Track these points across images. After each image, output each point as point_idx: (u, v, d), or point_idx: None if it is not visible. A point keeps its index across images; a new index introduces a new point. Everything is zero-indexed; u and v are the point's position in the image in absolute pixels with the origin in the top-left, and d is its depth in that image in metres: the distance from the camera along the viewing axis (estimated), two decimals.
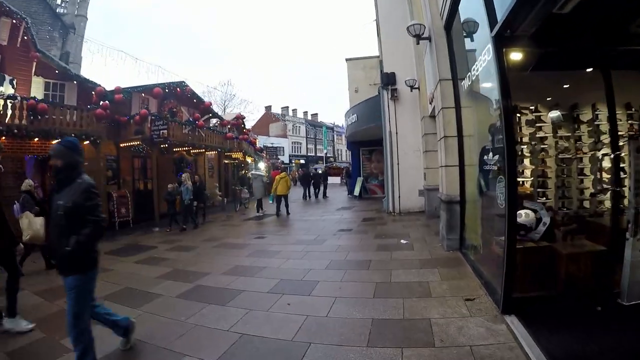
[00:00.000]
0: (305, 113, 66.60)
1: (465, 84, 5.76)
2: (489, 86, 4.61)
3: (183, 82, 17.35)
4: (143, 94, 15.38)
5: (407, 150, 12.53)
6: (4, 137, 10.32)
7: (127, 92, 14.28)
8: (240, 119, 24.57)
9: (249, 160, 27.55)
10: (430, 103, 10.09)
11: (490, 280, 4.60)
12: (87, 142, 11.85)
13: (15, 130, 10.36)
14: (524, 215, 4.53)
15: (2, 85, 11.67)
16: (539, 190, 5.22)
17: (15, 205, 6.96)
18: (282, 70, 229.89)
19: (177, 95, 17.27)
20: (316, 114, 69.24)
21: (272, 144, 50.96)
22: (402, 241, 7.90)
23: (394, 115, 12.62)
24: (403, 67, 12.39)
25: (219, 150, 18.48)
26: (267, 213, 14.70)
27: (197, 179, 13.34)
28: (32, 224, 6.62)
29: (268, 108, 61.29)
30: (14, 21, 12.07)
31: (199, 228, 12.09)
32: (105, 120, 12.72)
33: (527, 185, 5.29)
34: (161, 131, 13.28)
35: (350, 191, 21.45)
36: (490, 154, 4.76)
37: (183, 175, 12.41)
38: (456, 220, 6.62)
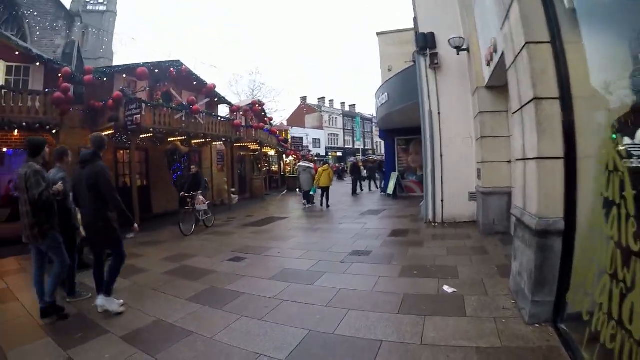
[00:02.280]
0: (343, 104, 63.42)
1: None
2: None
3: (177, 61, 14.73)
4: (125, 75, 12.87)
5: (454, 137, 9.15)
6: None
7: (102, 73, 11.88)
8: (257, 104, 21.75)
9: (271, 152, 24.85)
10: (489, 64, 6.73)
11: None
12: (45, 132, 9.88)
13: None
14: None
15: None
16: None
17: None
18: (318, 62, 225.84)
19: (173, 77, 14.65)
20: (354, 105, 65.97)
21: (307, 135, 48.29)
22: (444, 288, 4.61)
23: (434, 89, 9.24)
24: (444, 24, 8.96)
25: (225, 140, 15.72)
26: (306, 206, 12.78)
27: (195, 169, 10.96)
28: None
29: (303, 99, 58.84)
30: None
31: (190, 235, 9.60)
32: (70, 105, 10.57)
33: None
34: (134, 117, 10.71)
35: (384, 188, 18.17)
36: None
37: None
38: (554, 267, 3.30)
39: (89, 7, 30.52)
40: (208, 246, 8.21)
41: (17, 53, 11.28)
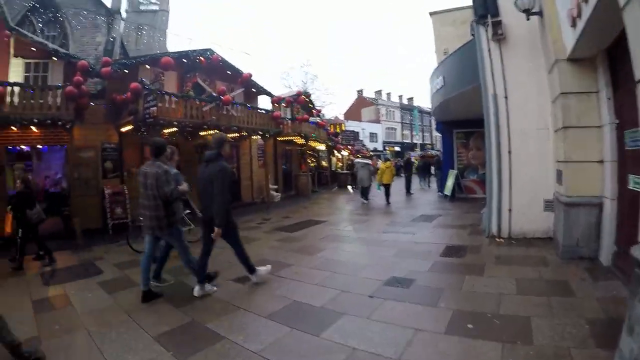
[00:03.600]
0: (400, 97, 60.73)
1: None
2: None
3: (208, 49, 13.63)
4: (149, 66, 12.08)
5: (525, 128, 7.13)
6: None
7: (122, 65, 11.16)
8: (303, 95, 20.44)
9: (320, 146, 23.47)
10: (574, 24, 4.79)
11: None
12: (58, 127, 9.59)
13: None
14: None
15: None
16: None
17: None
18: (376, 54, 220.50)
19: (204, 67, 13.66)
20: (411, 97, 62.96)
21: (363, 129, 46.55)
22: None
23: (499, 67, 7.25)
24: None
25: (262, 133, 14.57)
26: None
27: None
28: None
29: (360, 92, 57.09)
30: None
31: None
32: (88, 99, 10.22)
33: None
34: (151, 109, 9.89)
35: (440, 188, 16.13)
36: None
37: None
38: None
39: (142, 7, 30.99)
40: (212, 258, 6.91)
41: (34, 49, 10.89)
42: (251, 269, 5.31)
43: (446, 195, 14.51)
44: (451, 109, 12.46)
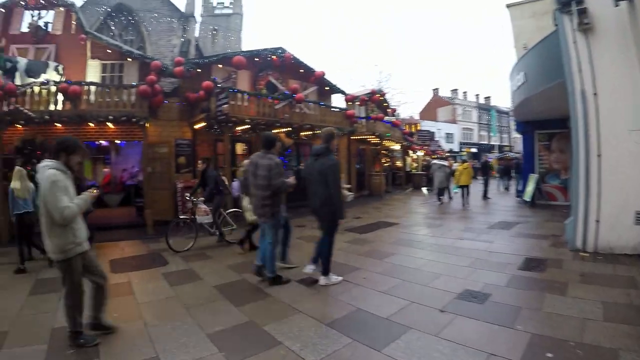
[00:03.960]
0: (477, 96, 57.89)
1: None
2: None
3: (280, 48, 13.88)
4: (221, 65, 12.60)
5: (617, 129, 6.29)
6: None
7: (194, 65, 11.92)
8: (377, 94, 20.12)
9: (395, 146, 22.96)
10: None
11: None
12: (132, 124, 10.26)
13: (47, 117, 9.66)
14: None
15: (46, 73, 11.00)
16: None
17: (234, 183, 7.86)
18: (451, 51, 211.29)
19: (277, 66, 13.95)
20: (488, 97, 59.64)
21: (439, 129, 45.10)
22: None
23: (586, 60, 6.45)
24: None
25: (336, 132, 14.43)
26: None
27: (203, 165, 8.52)
28: None
29: (435, 90, 55.34)
30: (65, 9, 12.13)
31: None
32: (162, 97, 10.98)
33: None
34: (223, 106, 10.30)
35: (520, 193, 14.98)
36: None
37: None
38: None
39: (216, 12, 32.61)
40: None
41: (109, 51, 11.92)
42: (326, 271, 5.30)
43: (526, 201, 13.42)
44: (533, 107, 11.46)
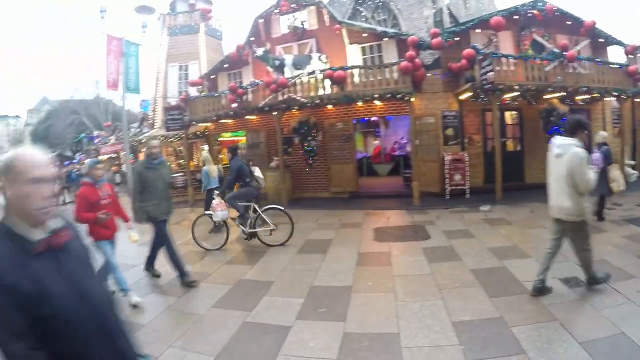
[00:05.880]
0: None
1: None
2: None
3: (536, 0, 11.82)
4: (478, 30, 11.60)
5: None
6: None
7: (450, 33, 11.33)
8: None
9: None
10: None
11: None
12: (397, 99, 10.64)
13: (318, 101, 10.99)
14: None
15: (310, 64, 12.44)
16: None
17: (595, 154, 6.97)
18: None
19: (540, 21, 12.01)
20: None
21: None
22: None
23: None
24: None
25: (616, 94, 11.55)
26: None
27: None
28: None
29: None
30: (315, 7, 13.46)
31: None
32: (424, 71, 11.20)
33: None
34: (488, 74, 9.58)
35: None
36: None
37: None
38: None
39: None
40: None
41: (364, 35, 12.80)
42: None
43: None
44: None
